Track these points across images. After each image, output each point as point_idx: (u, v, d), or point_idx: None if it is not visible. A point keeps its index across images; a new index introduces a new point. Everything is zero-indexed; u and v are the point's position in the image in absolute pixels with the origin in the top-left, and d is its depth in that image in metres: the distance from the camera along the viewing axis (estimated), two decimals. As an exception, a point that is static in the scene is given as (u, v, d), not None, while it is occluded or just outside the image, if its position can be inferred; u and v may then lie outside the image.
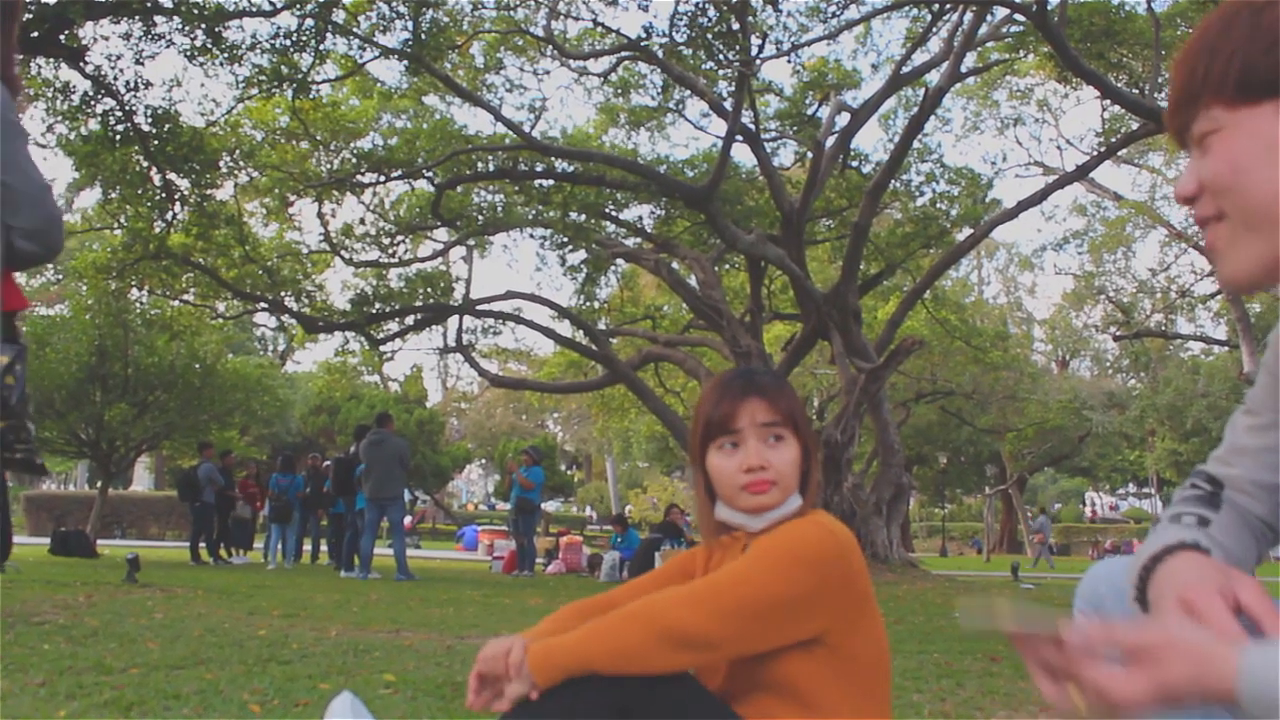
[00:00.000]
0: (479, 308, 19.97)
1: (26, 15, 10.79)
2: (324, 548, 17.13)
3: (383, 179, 17.80)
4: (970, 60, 17.11)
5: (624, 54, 16.68)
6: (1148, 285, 32.57)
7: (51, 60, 12.73)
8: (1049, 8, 11.95)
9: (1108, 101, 16.18)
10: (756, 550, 1.72)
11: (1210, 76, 1.08)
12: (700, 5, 13.70)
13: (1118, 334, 32.24)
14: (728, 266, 20.58)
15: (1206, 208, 1.10)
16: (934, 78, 15.91)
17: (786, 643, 1.69)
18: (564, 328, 20.85)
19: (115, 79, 12.83)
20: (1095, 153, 17.71)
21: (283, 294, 18.52)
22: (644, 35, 15.08)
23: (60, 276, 20.82)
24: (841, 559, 1.71)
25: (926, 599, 10.57)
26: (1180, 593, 1.07)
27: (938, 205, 19.52)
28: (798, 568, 1.67)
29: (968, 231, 18.68)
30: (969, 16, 15.05)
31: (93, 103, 13.05)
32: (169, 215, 15.31)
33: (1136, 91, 14.70)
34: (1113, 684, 0.97)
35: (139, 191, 14.81)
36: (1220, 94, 1.07)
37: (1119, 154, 20.70)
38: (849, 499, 15.39)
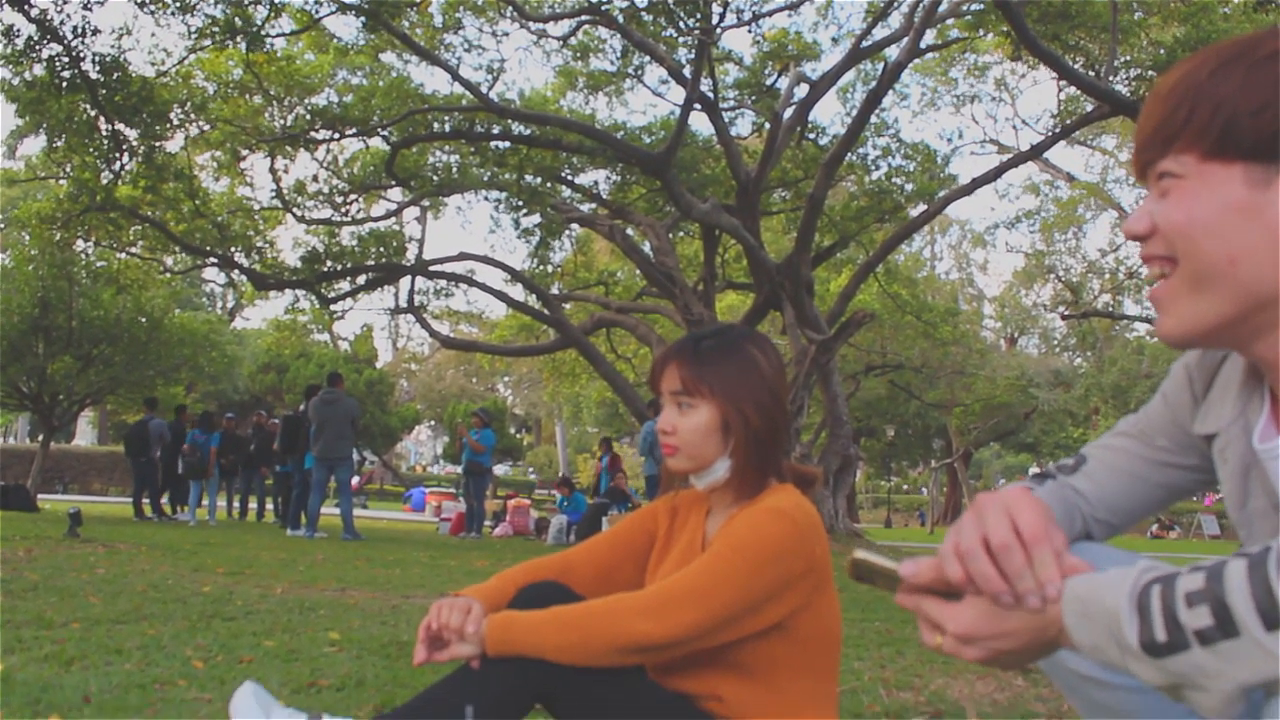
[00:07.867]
0: (431, 268, 19.82)
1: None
2: (270, 506, 17.01)
3: (337, 136, 17.57)
4: (930, 37, 17.15)
5: (584, 18, 16.52)
6: (1097, 266, 33.05)
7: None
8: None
9: (1063, 83, 16.29)
10: (720, 550, 1.70)
11: (1192, 122, 1.03)
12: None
13: (1066, 313, 32.65)
14: (682, 234, 20.56)
15: (1155, 247, 1.07)
16: (893, 52, 15.95)
17: (746, 635, 1.70)
18: (516, 291, 20.75)
19: (62, 24, 12.49)
20: (1050, 133, 17.85)
21: (233, 249, 18.29)
22: (605, -1, 14.96)
23: (2, 226, 20.36)
24: (804, 550, 1.70)
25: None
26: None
27: (893, 180, 19.55)
28: (762, 570, 1.67)
29: (922, 207, 18.78)
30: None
31: (38, 47, 12.69)
32: (117, 166, 14.99)
33: (1092, 74, 14.80)
34: (952, 649, 1.02)
35: (86, 141, 14.47)
36: (1196, 143, 1.03)
37: (1073, 135, 20.90)
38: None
